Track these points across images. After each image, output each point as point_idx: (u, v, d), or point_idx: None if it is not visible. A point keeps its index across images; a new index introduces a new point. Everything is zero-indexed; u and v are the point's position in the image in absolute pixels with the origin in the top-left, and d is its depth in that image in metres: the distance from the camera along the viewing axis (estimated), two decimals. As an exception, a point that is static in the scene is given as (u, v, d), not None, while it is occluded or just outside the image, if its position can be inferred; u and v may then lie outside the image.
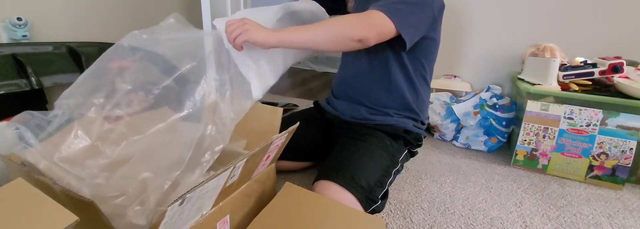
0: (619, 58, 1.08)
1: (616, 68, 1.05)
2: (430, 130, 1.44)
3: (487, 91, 1.38)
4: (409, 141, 0.91)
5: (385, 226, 0.80)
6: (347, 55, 0.98)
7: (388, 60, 0.87)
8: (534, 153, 1.12)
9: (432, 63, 0.93)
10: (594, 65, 1.08)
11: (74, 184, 0.55)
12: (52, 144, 0.59)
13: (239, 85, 0.71)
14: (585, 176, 1.07)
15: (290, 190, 0.70)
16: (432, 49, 0.90)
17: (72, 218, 0.36)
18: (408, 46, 0.77)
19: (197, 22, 1.84)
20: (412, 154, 0.97)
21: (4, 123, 0.67)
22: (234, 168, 0.53)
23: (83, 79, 0.62)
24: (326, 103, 1.05)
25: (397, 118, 0.91)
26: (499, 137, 1.26)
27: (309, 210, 0.65)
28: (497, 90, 1.40)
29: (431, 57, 0.91)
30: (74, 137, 0.62)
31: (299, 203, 0.67)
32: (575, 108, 1.05)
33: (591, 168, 1.06)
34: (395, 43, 0.80)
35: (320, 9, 0.93)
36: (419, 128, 0.94)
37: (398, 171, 0.86)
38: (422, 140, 0.96)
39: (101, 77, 0.63)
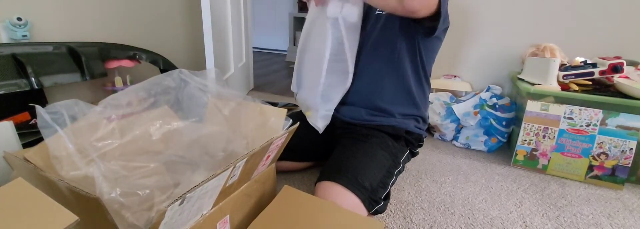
0: (619, 58, 1.08)
1: (616, 68, 1.05)
2: (430, 130, 1.44)
3: (487, 91, 1.38)
4: (410, 142, 0.91)
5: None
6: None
7: (401, 55, 0.87)
8: (534, 153, 1.12)
9: (432, 63, 0.94)
10: (594, 65, 1.08)
11: (95, 176, 0.55)
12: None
13: None
14: (585, 176, 1.07)
15: (289, 193, 0.70)
16: (436, 49, 0.91)
17: (72, 217, 0.36)
18: (437, 29, 0.76)
19: (197, 22, 1.84)
20: (413, 154, 0.97)
21: (5, 122, 0.67)
22: (234, 167, 0.53)
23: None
24: None
25: (399, 119, 0.91)
26: (499, 137, 1.26)
27: (308, 213, 0.65)
28: (497, 90, 1.40)
29: (433, 57, 0.92)
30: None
31: (298, 206, 0.67)
32: (575, 108, 1.05)
33: (591, 168, 1.06)
34: (415, 29, 0.80)
35: None
36: (420, 128, 0.94)
37: (399, 172, 0.86)
38: (423, 140, 0.96)
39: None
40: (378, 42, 0.88)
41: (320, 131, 0.91)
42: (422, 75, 0.91)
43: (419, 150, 0.98)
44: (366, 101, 0.92)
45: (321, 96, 0.90)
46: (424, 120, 0.97)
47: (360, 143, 0.85)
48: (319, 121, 0.91)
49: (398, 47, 0.86)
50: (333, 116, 0.98)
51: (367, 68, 0.90)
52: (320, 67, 0.88)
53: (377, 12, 0.88)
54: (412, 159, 1.05)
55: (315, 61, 0.89)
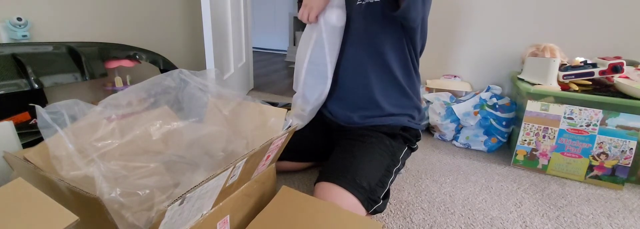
0: (619, 58, 1.08)
1: (616, 68, 1.05)
2: (430, 130, 1.44)
3: (487, 91, 1.38)
4: (407, 139, 0.91)
5: None
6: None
7: (385, 45, 0.86)
8: (534, 153, 1.12)
9: (419, 53, 0.93)
10: (594, 65, 1.08)
11: (95, 176, 0.55)
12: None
13: None
14: (585, 176, 1.07)
15: (287, 194, 0.70)
16: (418, 39, 0.90)
17: (72, 217, 0.36)
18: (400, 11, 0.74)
19: (197, 22, 1.84)
20: (412, 150, 0.96)
21: (5, 122, 0.67)
22: (234, 167, 0.53)
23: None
24: (323, 106, 1.04)
25: (392, 116, 0.91)
26: (499, 137, 1.26)
27: (306, 214, 0.65)
28: (497, 90, 1.40)
29: (419, 47, 0.92)
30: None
31: (296, 207, 0.67)
32: (575, 108, 1.05)
33: (591, 168, 1.06)
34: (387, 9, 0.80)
35: None
36: (416, 123, 0.94)
37: (399, 170, 0.86)
38: (420, 135, 0.96)
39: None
40: (361, 33, 0.87)
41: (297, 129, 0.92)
42: (411, 65, 0.91)
43: (417, 144, 0.97)
44: (355, 97, 0.92)
45: (302, 96, 0.93)
46: (419, 109, 0.96)
47: (358, 143, 0.85)
48: (294, 119, 0.92)
49: (382, 37, 0.86)
50: (329, 119, 0.99)
51: (352, 62, 0.90)
52: (301, 66, 0.90)
53: (358, 2, 0.88)
54: (412, 159, 1.05)
55: (301, 62, 0.92)
